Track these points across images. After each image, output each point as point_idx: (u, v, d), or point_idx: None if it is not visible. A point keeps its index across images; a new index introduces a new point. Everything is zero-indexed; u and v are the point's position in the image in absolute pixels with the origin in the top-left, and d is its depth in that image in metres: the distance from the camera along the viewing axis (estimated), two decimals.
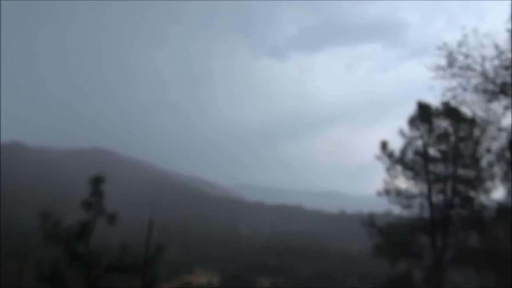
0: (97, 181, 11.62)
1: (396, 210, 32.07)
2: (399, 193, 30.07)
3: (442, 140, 28.74)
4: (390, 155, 29.91)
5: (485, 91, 19.35)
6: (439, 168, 29.23)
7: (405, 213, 30.60)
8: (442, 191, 28.95)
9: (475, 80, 19.37)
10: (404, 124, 30.04)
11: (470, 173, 27.92)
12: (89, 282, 11.50)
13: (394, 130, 30.40)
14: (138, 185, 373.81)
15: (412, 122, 29.80)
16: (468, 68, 19.21)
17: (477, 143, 25.79)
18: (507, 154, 20.59)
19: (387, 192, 30.12)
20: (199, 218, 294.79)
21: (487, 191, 27.09)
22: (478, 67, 18.97)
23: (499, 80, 18.85)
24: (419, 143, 29.49)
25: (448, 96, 20.34)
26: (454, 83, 19.74)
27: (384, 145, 30.02)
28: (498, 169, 22.03)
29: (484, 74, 18.99)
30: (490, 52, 18.30)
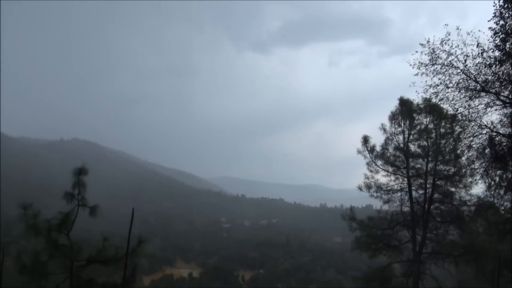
0: (79, 172, 11.48)
1: (377, 204, 32.41)
2: (379, 187, 30.32)
3: (423, 136, 29.04)
4: (371, 150, 30.14)
5: (467, 89, 19.55)
6: (419, 164, 29.54)
7: (386, 207, 30.93)
8: (422, 186, 29.31)
9: (457, 78, 19.56)
10: (385, 120, 30.30)
11: (450, 169, 28.29)
12: (71, 274, 11.40)
13: (376, 125, 30.65)
14: (119, 177, 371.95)
15: (394, 117, 30.05)
16: (450, 65, 19.39)
17: (457, 139, 26.06)
18: (488, 151, 20.85)
19: (367, 186, 30.36)
20: (181, 210, 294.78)
21: (467, 187, 27.47)
22: (460, 65, 19.17)
23: (481, 78, 19.08)
24: (400, 138, 29.76)
25: (430, 93, 20.49)
26: (436, 80, 19.91)
27: (365, 140, 30.22)
28: (478, 166, 22.30)
29: (466, 72, 19.20)
30: (472, 50, 18.49)
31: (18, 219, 11.25)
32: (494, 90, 19.24)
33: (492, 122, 20.24)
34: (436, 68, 19.71)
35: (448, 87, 19.83)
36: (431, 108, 27.25)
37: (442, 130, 27.84)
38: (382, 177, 30.30)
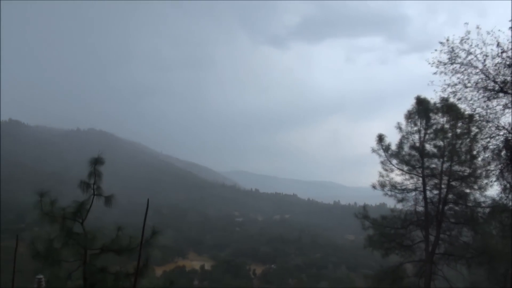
0: (96, 162, 11.59)
1: (390, 203, 32.24)
2: (394, 186, 30.14)
3: (439, 135, 28.81)
4: (387, 148, 29.94)
5: (485, 89, 19.38)
6: (434, 164, 29.34)
7: (399, 206, 30.76)
8: (437, 186, 29.08)
9: (476, 77, 19.39)
10: (401, 118, 30.09)
11: (465, 170, 28.05)
12: (84, 262, 11.54)
13: (392, 123, 30.47)
14: (134, 168, 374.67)
15: (410, 116, 29.81)
16: (469, 65, 19.22)
17: (474, 140, 25.84)
18: (504, 153, 20.66)
19: (382, 185, 30.18)
20: (194, 203, 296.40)
21: (482, 189, 27.20)
22: (479, 65, 18.99)
23: (499, 78, 18.89)
24: (416, 137, 29.54)
25: (448, 92, 20.33)
26: (454, 79, 19.76)
27: (380, 139, 30.04)
28: (494, 167, 22.09)
29: (485, 72, 19.02)
30: (492, 50, 18.30)
31: (33, 206, 11.40)
32: None
33: (509, 124, 20.04)
34: (455, 67, 19.57)
35: (466, 87, 19.68)
36: (448, 107, 26.99)
37: (459, 130, 27.58)
38: (396, 176, 30.12)
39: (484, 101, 19.71)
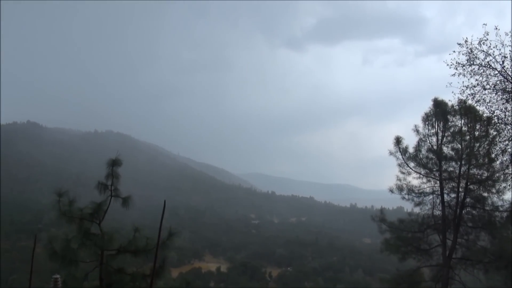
0: (113, 163, 11.70)
1: (408, 206, 32.00)
2: (411, 190, 29.94)
3: (457, 138, 28.56)
4: (404, 151, 29.74)
5: (504, 91, 19.19)
6: (452, 167, 29.09)
7: (417, 210, 30.53)
8: (455, 189, 28.82)
9: (495, 79, 19.22)
10: (419, 121, 29.89)
11: (483, 173, 27.76)
12: (101, 262, 11.65)
13: (410, 126, 30.21)
14: (152, 169, 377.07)
15: (427, 119, 29.59)
16: (488, 66, 19.05)
17: (492, 143, 25.58)
18: None
19: (399, 188, 29.99)
20: (211, 204, 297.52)
21: (500, 192, 26.90)
22: (498, 66, 18.82)
23: None
24: (433, 140, 29.32)
25: (466, 94, 20.16)
26: (473, 81, 19.59)
27: (397, 141, 29.85)
28: None
29: (503, 74, 18.83)
30: (510, 51, 18.13)
31: (51, 206, 11.52)
32: None
33: None
34: (474, 68, 19.42)
35: (485, 89, 19.50)
36: (466, 110, 26.76)
37: (477, 133, 27.33)
38: (414, 179, 29.89)
39: (503, 103, 19.53)
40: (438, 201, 29.36)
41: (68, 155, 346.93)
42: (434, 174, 29.27)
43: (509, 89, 19.05)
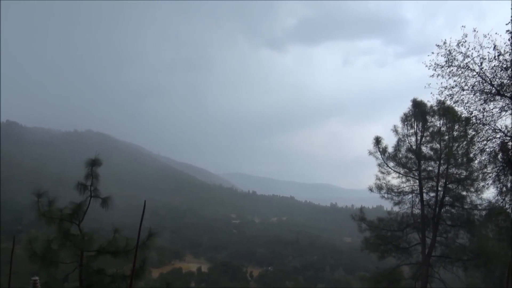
0: (93, 163, 11.59)
1: (387, 205, 32.29)
2: (390, 189, 30.20)
3: (436, 138, 28.89)
4: (383, 151, 30.01)
5: (482, 92, 19.43)
6: (431, 166, 29.40)
7: (396, 209, 30.80)
8: (434, 189, 29.16)
9: (473, 80, 19.44)
10: (399, 121, 30.16)
11: (462, 173, 28.11)
12: (80, 263, 11.53)
13: (390, 126, 30.49)
14: (132, 169, 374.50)
15: (406, 119, 29.88)
16: (466, 67, 19.27)
17: (470, 143, 25.91)
18: (500, 156, 20.69)
19: (378, 187, 30.28)
20: (191, 205, 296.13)
21: (479, 191, 27.24)
22: (476, 67, 19.04)
23: (496, 81, 18.95)
24: (412, 140, 29.61)
25: (445, 95, 20.38)
26: (451, 82, 19.80)
27: (377, 141, 30.10)
28: (490, 170, 22.13)
29: (482, 75, 19.07)
30: (489, 53, 18.37)
31: (31, 206, 11.37)
32: (509, 94, 19.09)
33: (506, 127, 20.09)
34: (452, 70, 19.61)
35: (463, 90, 19.72)
36: (444, 110, 27.06)
37: (455, 133, 27.67)
38: (393, 179, 30.21)
39: (481, 104, 19.76)
40: (417, 200, 29.70)
41: (48, 155, 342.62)
42: (413, 174, 29.58)
43: (487, 90, 19.30)
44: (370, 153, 30.21)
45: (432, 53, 19.97)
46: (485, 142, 20.93)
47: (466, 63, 19.19)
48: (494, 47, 17.99)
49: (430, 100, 25.37)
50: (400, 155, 29.69)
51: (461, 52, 19.11)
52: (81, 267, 11.52)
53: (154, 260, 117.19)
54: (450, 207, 29.45)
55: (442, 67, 19.82)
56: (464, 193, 28.41)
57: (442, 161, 28.43)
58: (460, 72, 19.51)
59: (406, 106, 30.00)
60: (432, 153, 29.12)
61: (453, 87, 19.84)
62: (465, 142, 26.93)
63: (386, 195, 30.35)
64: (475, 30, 18.19)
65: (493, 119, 19.98)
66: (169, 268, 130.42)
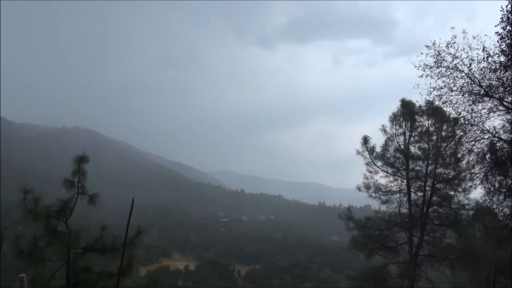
0: (80, 160, 11.48)
1: (375, 204, 32.37)
2: (378, 188, 30.27)
3: (424, 138, 29.00)
4: (371, 150, 30.03)
5: (470, 93, 19.57)
6: (419, 166, 29.52)
7: (384, 208, 30.88)
8: (422, 188, 29.26)
9: (462, 81, 19.59)
10: (386, 121, 30.21)
11: (450, 173, 28.25)
12: (68, 261, 11.43)
13: (377, 126, 30.52)
14: (120, 166, 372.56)
15: (395, 119, 29.93)
16: (455, 68, 19.38)
17: (459, 143, 26.06)
18: (488, 157, 20.85)
19: (366, 187, 30.32)
20: (179, 202, 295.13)
21: (466, 191, 27.37)
22: (465, 69, 19.18)
23: (485, 83, 19.09)
24: (400, 140, 29.68)
25: (433, 95, 20.51)
26: (440, 82, 19.93)
27: (365, 140, 30.11)
28: (478, 170, 22.29)
29: (470, 76, 19.19)
30: (478, 54, 18.47)
31: (18, 204, 11.24)
32: (497, 95, 19.25)
33: (494, 128, 20.26)
34: (441, 70, 19.74)
35: (452, 90, 19.86)
36: (433, 110, 27.18)
37: (444, 133, 27.80)
38: (381, 178, 30.26)
39: (469, 105, 19.92)
40: (405, 199, 29.78)
41: (36, 152, 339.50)
42: (401, 173, 29.66)
43: (476, 91, 19.42)
44: (358, 152, 30.22)
45: (421, 53, 20.11)
46: (473, 142, 21.11)
47: (455, 64, 19.33)
48: (483, 49, 18.13)
49: (419, 100, 25.57)
50: (388, 155, 29.75)
51: (450, 53, 19.25)
52: (68, 265, 11.42)
53: (142, 258, 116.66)
54: (437, 207, 29.59)
55: (431, 67, 19.96)
56: (452, 193, 28.54)
57: (430, 161, 28.53)
58: (449, 73, 19.65)
59: (394, 106, 30.05)
60: (420, 153, 29.22)
61: (442, 88, 20.00)
62: (453, 143, 27.12)
63: (374, 194, 30.39)
64: (464, 32, 18.33)
65: (481, 120, 20.17)
66: (157, 266, 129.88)
